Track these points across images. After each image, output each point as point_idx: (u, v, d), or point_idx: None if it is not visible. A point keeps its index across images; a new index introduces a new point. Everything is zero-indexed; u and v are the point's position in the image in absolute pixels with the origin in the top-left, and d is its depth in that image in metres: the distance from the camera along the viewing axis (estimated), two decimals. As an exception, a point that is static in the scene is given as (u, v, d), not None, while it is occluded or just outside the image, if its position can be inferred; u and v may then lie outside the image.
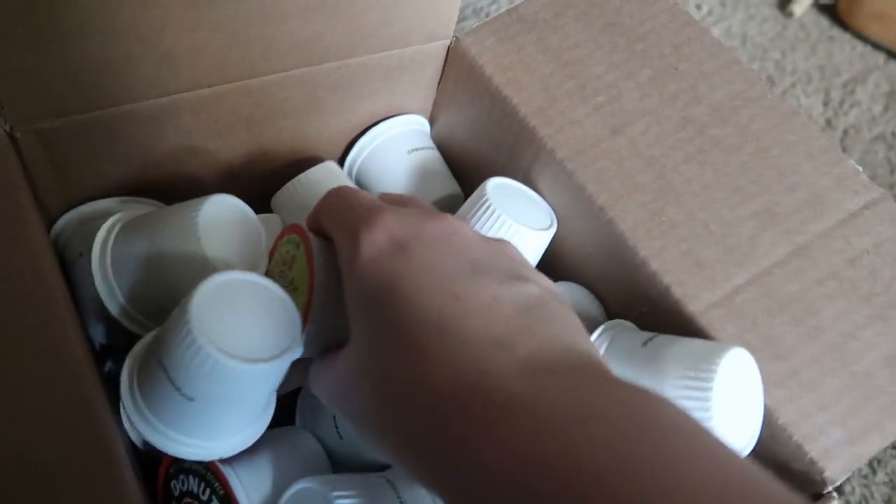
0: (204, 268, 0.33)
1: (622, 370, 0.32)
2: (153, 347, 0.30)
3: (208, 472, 0.31)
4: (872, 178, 0.75)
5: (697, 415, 0.29)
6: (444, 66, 0.46)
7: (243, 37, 0.36)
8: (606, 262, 0.39)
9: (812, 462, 0.31)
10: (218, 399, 0.28)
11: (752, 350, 0.33)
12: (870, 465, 0.55)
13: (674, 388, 0.29)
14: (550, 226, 0.39)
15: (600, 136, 0.40)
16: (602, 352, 0.33)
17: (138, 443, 0.33)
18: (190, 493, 0.32)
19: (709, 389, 0.28)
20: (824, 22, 0.91)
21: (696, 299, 0.35)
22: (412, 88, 0.46)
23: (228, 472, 0.31)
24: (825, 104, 0.82)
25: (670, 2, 0.44)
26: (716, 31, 0.87)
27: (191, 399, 0.28)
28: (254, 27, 0.35)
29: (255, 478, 0.33)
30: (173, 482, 0.33)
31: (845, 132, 0.80)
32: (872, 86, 0.85)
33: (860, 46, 0.90)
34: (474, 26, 0.44)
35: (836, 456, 0.31)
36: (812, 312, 0.34)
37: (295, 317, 0.30)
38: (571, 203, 0.40)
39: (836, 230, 0.36)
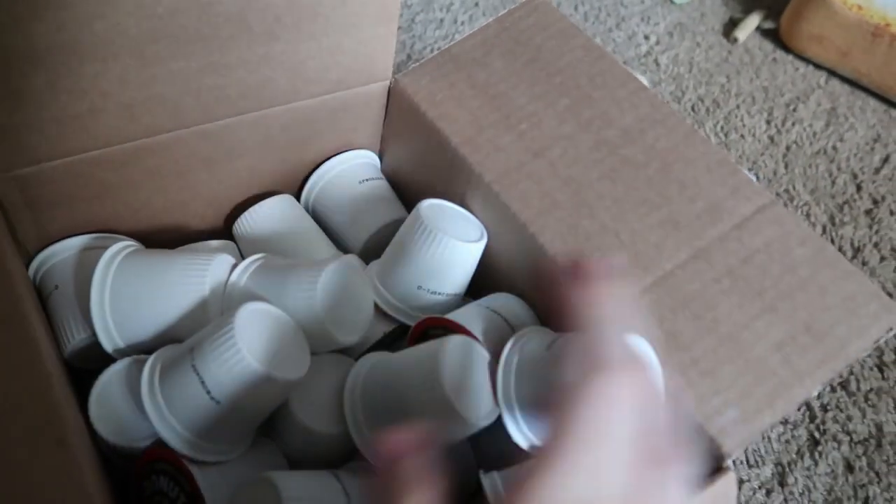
0: (204, 312, 0.39)
1: (531, 376, 0.36)
2: (186, 354, 0.35)
3: (178, 473, 0.35)
4: (814, 190, 0.80)
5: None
6: (387, 104, 0.51)
7: (195, 87, 0.40)
8: (533, 272, 0.43)
9: (711, 439, 0.35)
10: (241, 404, 0.34)
11: (657, 343, 0.37)
12: (812, 456, 0.58)
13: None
14: (480, 238, 0.44)
15: (523, 160, 0.44)
16: (514, 363, 0.37)
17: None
18: (160, 493, 0.36)
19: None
20: (768, 46, 0.97)
21: (608, 301, 0.39)
22: (359, 126, 0.51)
23: (196, 472, 0.35)
24: (768, 122, 0.87)
25: (585, 38, 0.49)
26: (664, 60, 0.92)
27: (218, 402, 0.34)
28: (205, 78, 0.40)
29: (220, 478, 0.36)
30: (145, 482, 0.36)
31: (787, 148, 0.84)
32: (814, 104, 0.90)
33: (802, 67, 0.95)
34: (411, 67, 0.49)
35: (731, 433, 0.35)
36: (710, 307, 0.38)
37: (306, 346, 0.37)
38: (500, 221, 0.44)
39: (731, 233, 0.40)
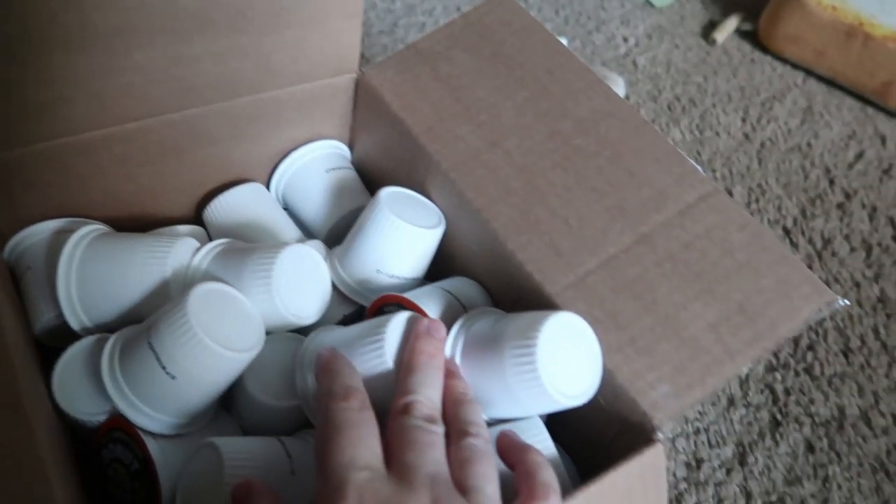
0: (166, 293, 0.41)
1: (476, 351, 0.37)
2: (144, 332, 0.37)
3: (132, 441, 0.37)
4: (787, 184, 0.81)
5: (527, 375, 0.34)
6: (355, 96, 0.53)
7: (163, 77, 0.42)
8: (486, 256, 0.44)
9: (643, 413, 0.36)
10: (195, 379, 0.36)
11: (597, 322, 0.39)
12: (773, 437, 0.60)
13: (509, 357, 0.35)
14: (438, 224, 0.45)
15: (480, 149, 0.46)
16: (461, 340, 0.39)
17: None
18: (116, 460, 0.37)
19: (533, 351, 0.34)
20: (746, 47, 0.99)
21: (553, 283, 0.41)
22: (328, 117, 0.53)
23: (148, 439, 0.37)
24: (743, 120, 0.88)
25: (546, 33, 0.51)
26: (642, 61, 0.94)
27: (173, 377, 0.36)
28: (171, 69, 0.42)
29: (174, 447, 0.38)
30: (103, 451, 0.38)
31: (762, 145, 0.86)
32: (790, 102, 0.92)
33: (780, 67, 0.96)
34: (378, 61, 0.51)
35: (663, 407, 0.36)
36: (650, 289, 0.40)
37: (259, 324, 0.39)
38: (456, 207, 0.46)
39: (674, 220, 0.42)
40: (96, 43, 0.39)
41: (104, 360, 0.38)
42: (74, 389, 0.39)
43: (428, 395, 0.33)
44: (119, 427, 0.37)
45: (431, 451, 0.30)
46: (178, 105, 0.44)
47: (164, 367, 0.36)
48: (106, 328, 0.42)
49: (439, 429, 0.32)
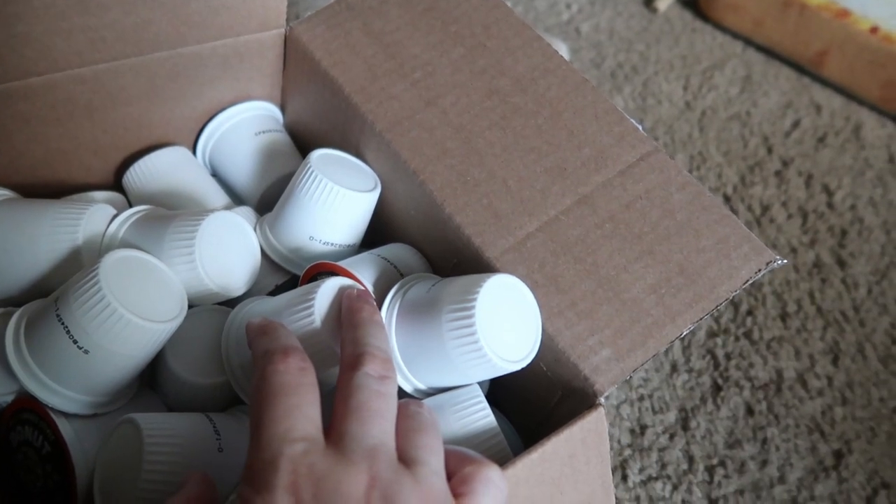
0: (78, 265, 0.37)
1: (411, 316, 0.36)
2: (52, 304, 0.34)
3: (41, 421, 0.34)
4: (727, 152, 0.82)
5: (465, 339, 0.33)
6: (284, 54, 0.50)
7: (65, 26, 0.38)
8: (424, 220, 0.43)
9: (585, 378, 0.35)
10: (110, 353, 0.33)
11: (537, 286, 0.37)
12: (714, 402, 0.60)
13: (446, 321, 0.33)
14: (373, 188, 0.43)
15: (415, 108, 0.44)
16: (396, 306, 0.37)
17: None
18: (26, 443, 0.35)
19: (471, 314, 0.32)
20: (687, 16, 0.98)
21: (493, 246, 0.39)
22: (255, 76, 0.50)
23: (58, 419, 0.34)
24: (685, 89, 0.88)
25: (483, -12, 0.48)
26: (585, 28, 0.93)
27: (86, 352, 0.33)
28: (74, 17, 0.38)
29: (90, 427, 0.35)
30: (11, 434, 0.35)
31: (703, 113, 0.86)
32: (730, 71, 0.92)
33: (720, 37, 0.97)
34: (306, 16, 0.48)
35: (604, 371, 0.36)
36: (591, 252, 0.39)
37: (181, 293, 0.36)
38: (392, 170, 0.44)
39: (615, 180, 0.41)
40: (-13, -14, 0.35)
41: (8, 336, 0.35)
42: (-25, 369, 0.35)
43: (377, 346, 0.31)
44: (26, 407, 0.34)
45: (377, 421, 0.28)
46: (85, 59, 0.41)
47: (75, 341, 0.33)
48: (11, 303, 0.38)
49: (391, 388, 0.30)
